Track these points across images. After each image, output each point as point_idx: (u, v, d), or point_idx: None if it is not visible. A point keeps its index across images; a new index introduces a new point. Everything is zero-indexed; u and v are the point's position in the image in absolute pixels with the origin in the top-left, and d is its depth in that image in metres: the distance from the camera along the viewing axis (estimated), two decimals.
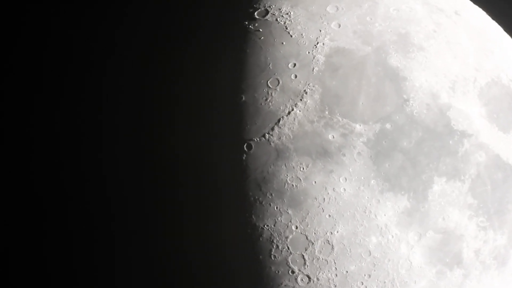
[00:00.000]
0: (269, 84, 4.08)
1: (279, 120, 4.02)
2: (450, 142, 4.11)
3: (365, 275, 3.99)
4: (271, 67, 4.12)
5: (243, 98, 4.07)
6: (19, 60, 4.74)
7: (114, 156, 4.18)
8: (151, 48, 4.35)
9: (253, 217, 3.98)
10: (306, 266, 3.99)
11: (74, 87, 4.44)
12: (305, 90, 4.06)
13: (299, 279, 4.00)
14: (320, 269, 3.98)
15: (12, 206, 4.48)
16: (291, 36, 4.19)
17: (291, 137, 4.00)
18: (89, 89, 4.38)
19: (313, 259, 3.98)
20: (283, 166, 3.98)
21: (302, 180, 3.97)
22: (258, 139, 4.02)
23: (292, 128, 4.01)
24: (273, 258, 3.99)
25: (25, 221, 4.44)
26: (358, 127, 4.03)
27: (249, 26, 4.25)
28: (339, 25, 4.23)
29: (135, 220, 4.12)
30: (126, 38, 4.45)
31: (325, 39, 4.18)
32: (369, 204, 3.99)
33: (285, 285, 4.00)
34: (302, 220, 3.97)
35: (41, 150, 4.41)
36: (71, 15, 4.74)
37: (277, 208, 3.98)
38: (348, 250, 3.98)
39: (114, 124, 4.23)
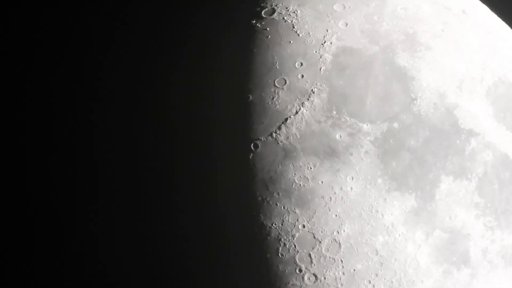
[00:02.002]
0: (276, 83, 4.09)
1: (286, 120, 4.03)
2: (457, 141, 4.11)
3: (372, 274, 3.99)
4: (278, 67, 4.12)
5: (250, 98, 4.07)
6: (11, 55, 4.72)
7: (110, 158, 4.19)
8: (154, 46, 4.35)
9: (260, 216, 3.99)
10: (313, 265, 4.00)
11: (67, 85, 4.43)
12: (312, 90, 4.07)
13: (306, 277, 4.01)
14: (327, 267, 3.99)
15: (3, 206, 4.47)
16: (298, 35, 4.19)
17: (298, 136, 4.01)
18: (84, 87, 4.38)
19: (320, 257, 3.99)
20: (291, 166, 3.99)
21: (309, 179, 3.98)
22: (265, 138, 4.03)
23: (299, 128, 4.02)
24: (280, 257, 4.00)
25: (16, 222, 4.44)
26: (366, 127, 4.03)
27: (256, 25, 4.25)
28: (346, 24, 4.23)
29: (137, 220, 4.13)
30: (125, 36, 4.44)
31: (332, 38, 4.18)
32: (376, 203, 3.99)
33: (292, 284, 4.01)
34: (309, 219, 3.98)
35: (33, 148, 4.41)
36: (68, 10, 4.73)
37: (284, 207, 3.98)
38: (355, 249, 3.98)
39: (115, 124, 4.24)
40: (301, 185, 3.98)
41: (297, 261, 4.00)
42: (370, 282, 4.00)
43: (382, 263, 3.99)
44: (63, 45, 4.60)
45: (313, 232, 3.98)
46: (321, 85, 4.07)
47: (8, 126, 4.53)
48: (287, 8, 4.29)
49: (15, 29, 4.84)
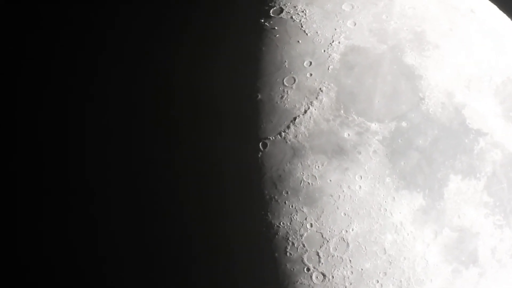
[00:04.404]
0: (284, 82, 4.09)
1: (295, 119, 4.03)
2: (466, 140, 4.11)
3: (380, 273, 3.99)
4: (286, 66, 4.12)
5: (259, 96, 4.08)
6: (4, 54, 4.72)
7: (110, 159, 4.18)
8: (158, 43, 4.35)
9: (268, 215, 3.99)
10: (321, 264, 3.99)
11: (60, 85, 4.43)
12: (320, 89, 4.07)
13: (314, 276, 4.00)
14: (335, 266, 3.99)
15: None
16: (307, 34, 4.20)
17: (307, 135, 4.01)
18: (80, 87, 4.37)
19: (328, 256, 3.99)
20: (299, 164, 3.99)
21: (317, 178, 3.98)
22: (273, 137, 4.03)
23: (307, 127, 4.02)
24: (288, 256, 4.00)
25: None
26: (374, 126, 4.03)
27: (264, 24, 4.26)
28: (355, 23, 4.23)
29: (139, 220, 4.13)
30: (124, 34, 4.44)
31: (341, 37, 4.18)
32: (384, 202, 3.99)
33: (300, 283, 4.01)
34: (318, 218, 3.98)
35: (24, 151, 4.40)
36: (66, 6, 4.72)
37: (292, 206, 3.99)
38: (363, 248, 3.98)
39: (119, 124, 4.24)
40: (310, 183, 3.98)
41: (305, 260, 4.00)
42: (378, 281, 4.00)
43: (390, 262, 3.99)
44: (59, 41, 4.59)
45: (321, 231, 3.98)
46: (329, 84, 4.08)
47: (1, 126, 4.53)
48: (295, 7, 4.29)
49: (10, 26, 4.83)
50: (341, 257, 3.98)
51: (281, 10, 4.30)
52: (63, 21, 4.65)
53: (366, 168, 3.99)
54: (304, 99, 4.06)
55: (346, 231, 3.97)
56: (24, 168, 4.39)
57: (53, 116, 4.38)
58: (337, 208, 3.97)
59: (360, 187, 3.98)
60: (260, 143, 4.03)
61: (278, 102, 4.06)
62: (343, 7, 4.30)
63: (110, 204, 4.16)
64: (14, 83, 4.59)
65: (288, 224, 3.99)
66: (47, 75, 4.50)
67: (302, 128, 4.02)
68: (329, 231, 3.98)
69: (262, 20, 4.27)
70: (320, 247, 3.98)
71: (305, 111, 4.04)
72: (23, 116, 4.48)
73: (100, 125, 4.25)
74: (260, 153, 4.02)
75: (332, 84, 4.08)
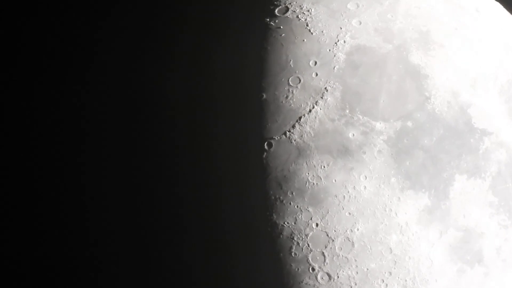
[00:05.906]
0: (290, 82, 4.09)
1: (300, 118, 4.03)
2: (471, 140, 4.10)
3: (385, 272, 3.99)
4: (292, 65, 4.12)
5: (264, 96, 4.07)
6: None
7: (112, 158, 4.17)
8: (161, 44, 4.34)
9: (273, 215, 3.99)
10: (326, 264, 4.00)
11: (56, 84, 4.42)
12: (326, 88, 4.06)
13: (319, 276, 4.01)
14: (341, 266, 3.99)
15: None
16: (312, 33, 4.19)
17: (312, 135, 4.01)
18: (82, 86, 4.37)
19: (333, 256, 3.99)
20: (304, 164, 3.99)
21: (322, 178, 3.98)
22: (278, 137, 4.02)
23: (313, 126, 4.01)
24: (293, 256, 4.00)
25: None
26: (379, 125, 4.03)
27: (270, 23, 4.25)
28: (360, 23, 4.22)
29: (141, 219, 4.13)
30: (123, 33, 4.43)
31: (346, 36, 4.17)
32: (389, 202, 3.99)
33: (306, 283, 4.01)
34: (323, 218, 3.98)
35: (18, 147, 4.39)
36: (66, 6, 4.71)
37: (297, 206, 3.98)
38: (369, 248, 3.98)
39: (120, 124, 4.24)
40: (315, 183, 3.98)
41: (310, 260, 4.00)
42: (383, 281, 4.00)
43: (395, 262, 3.99)
44: (57, 40, 4.58)
45: (326, 231, 3.98)
46: (334, 84, 4.07)
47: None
48: (300, 6, 4.28)
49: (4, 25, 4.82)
50: (346, 257, 3.98)
51: (287, 9, 4.29)
52: (62, 20, 4.64)
53: (371, 168, 3.99)
54: (309, 98, 4.05)
55: (351, 231, 3.97)
56: (18, 166, 4.39)
57: (48, 115, 4.37)
58: (342, 208, 3.97)
59: (365, 187, 3.97)
60: (265, 143, 4.03)
61: (283, 102, 4.06)
62: (348, 6, 4.29)
63: (108, 204, 4.16)
64: (8, 75, 4.59)
65: (293, 224, 3.99)
66: (41, 71, 4.49)
67: (307, 128, 4.01)
68: (334, 231, 3.98)
69: (268, 19, 4.26)
70: (326, 247, 3.98)
71: (310, 111, 4.03)
72: (16, 112, 4.48)
73: (97, 123, 4.24)
74: (265, 153, 4.02)
75: (337, 84, 4.07)
